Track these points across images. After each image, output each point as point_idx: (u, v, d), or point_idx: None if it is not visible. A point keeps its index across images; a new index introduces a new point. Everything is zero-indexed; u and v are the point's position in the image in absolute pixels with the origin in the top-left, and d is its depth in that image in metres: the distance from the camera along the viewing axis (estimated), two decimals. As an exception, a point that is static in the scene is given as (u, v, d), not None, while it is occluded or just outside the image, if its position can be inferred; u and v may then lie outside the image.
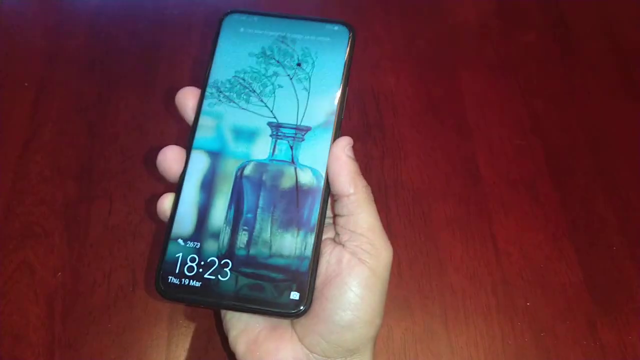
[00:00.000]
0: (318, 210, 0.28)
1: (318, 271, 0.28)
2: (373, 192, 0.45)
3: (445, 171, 0.47)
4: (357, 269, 0.27)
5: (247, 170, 0.29)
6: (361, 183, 0.29)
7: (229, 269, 0.28)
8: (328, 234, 0.30)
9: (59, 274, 0.40)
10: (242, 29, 0.32)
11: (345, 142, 0.29)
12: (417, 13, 0.57)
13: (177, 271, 0.28)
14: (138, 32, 0.53)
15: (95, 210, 0.43)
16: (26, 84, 0.49)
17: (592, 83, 0.53)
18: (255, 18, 0.31)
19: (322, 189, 0.29)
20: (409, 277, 0.42)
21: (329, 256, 0.28)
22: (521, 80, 0.53)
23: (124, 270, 0.41)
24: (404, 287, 0.41)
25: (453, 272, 0.42)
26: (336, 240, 0.29)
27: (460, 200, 0.46)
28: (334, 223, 0.30)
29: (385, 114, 0.50)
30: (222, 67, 0.31)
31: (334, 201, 0.30)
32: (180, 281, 0.27)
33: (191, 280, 0.27)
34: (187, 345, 0.38)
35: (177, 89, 0.50)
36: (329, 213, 0.32)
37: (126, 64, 0.51)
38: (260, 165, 0.29)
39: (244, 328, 0.30)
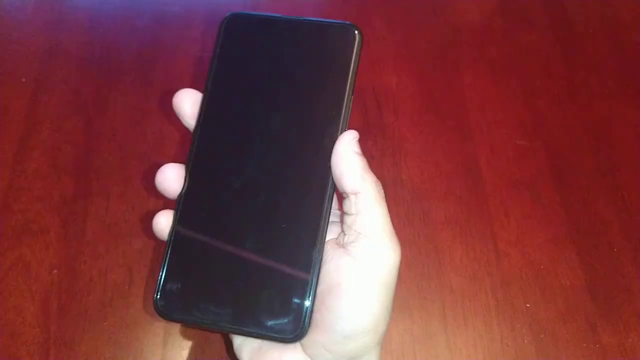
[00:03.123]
0: (318, 237, 0.27)
1: (320, 278, 0.27)
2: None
3: (445, 171, 0.47)
4: (357, 276, 0.26)
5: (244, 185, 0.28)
6: (370, 179, 0.27)
7: (225, 292, 0.27)
8: (331, 234, 0.28)
9: (55, 271, 0.40)
10: (243, 32, 0.30)
11: (350, 137, 0.27)
12: (419, 12, 0.56)
13: (173, 292, 0.27)
14: (137, 29, 0.53)
15: (92, 208, 0.43)
16: (24, 80, 0.49)
17: (594, 83, 0.52)
18: (256, 20, 0.30)
19: (324, 213, 0.27)
20: (408, 278, 0.41)
21: (330, 263, 0.27)
22: (523, 80, 0.52)
23: (121, 268, 0.40)
24: (403, 287, 0.41)
25: (452, 273, 0.42)
26: (338, 242, 0.28)
27: (461, 200, 0.45)
28: (341, 221, 0.28)
29: (385, 113, 0.49)
30: (224, 74, 0.30)
31: (341, 199, 0.28)
32: (177, 303, 0.27)
33: (187, 302, 0.27)
34: (183, 343, 0.38)
35: (176, 87, 0.49)
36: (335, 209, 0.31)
37: (125, 60, 0.51)
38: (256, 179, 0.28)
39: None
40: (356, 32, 0.29)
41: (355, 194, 0.26)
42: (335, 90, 0.28)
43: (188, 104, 0.29)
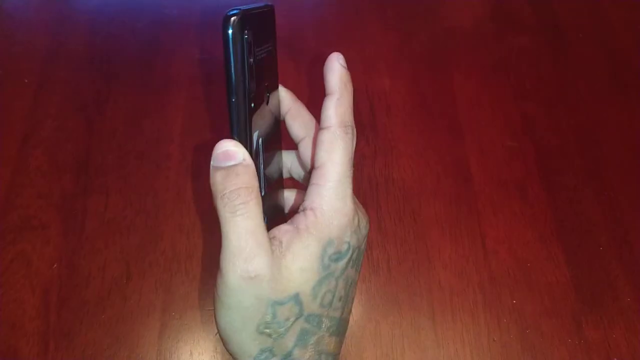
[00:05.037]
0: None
1: None
2: (364, 190, 0.46)
3: (436, 170, 0.48)
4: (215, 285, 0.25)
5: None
6: (225, 190, 0.24)
7: None
8: None
9: (55, 265, 0.41)
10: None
11: (214, 151, 0.25)
12: (413, 15, 0.57)
13: None
14: (137, 31, 0.54)
15: (92, 204, 0.44)
16: (26, 81, 0.50)
17: (583, 86, 0.53)
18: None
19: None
20: (398, 274, 0.42)
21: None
22: (513, 82, 0.53)
23: (119, 262, 0.41)
24: (393, 283, 0.42)
25: (441, 270, 0.43)
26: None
27: (451, 199, 0.46)
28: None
29: (378, 114, 0.51)
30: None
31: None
32: None
33: None
34: (178, 336, 0.39)
35: (174, 87, 0.51)
36: None
37: (125, 61, 0.52)
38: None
39: None
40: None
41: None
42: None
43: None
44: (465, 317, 0.41)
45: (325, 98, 0.26)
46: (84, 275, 0.41)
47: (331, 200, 0.25)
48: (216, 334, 0.39)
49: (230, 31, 0.23)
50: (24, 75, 0.51)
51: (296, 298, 0.25)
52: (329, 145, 0.25)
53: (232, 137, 0.25)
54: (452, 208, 0.46)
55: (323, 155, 0.25)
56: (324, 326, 0.26)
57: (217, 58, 0.53)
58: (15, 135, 0.47)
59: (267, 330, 0.25)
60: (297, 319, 0.25)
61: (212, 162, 0.25)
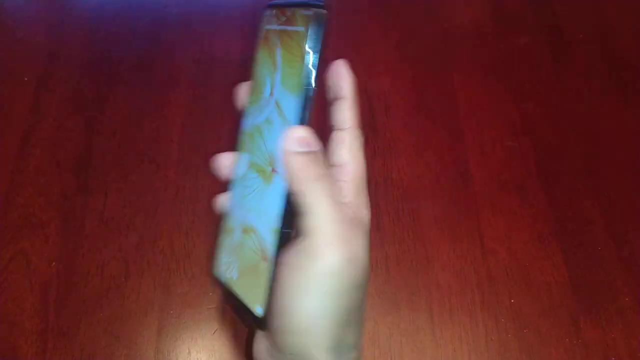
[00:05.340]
0: (273, 232, 0.26)
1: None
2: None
3: (435, 170, 0.48)
4: (290, 274, 0.25)
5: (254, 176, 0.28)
6: (306, 177, 0.25)
7: (234, 273, 0.29)
8: None
9: (54, 264, 0.41)
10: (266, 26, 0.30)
11: (290, 136, 0.25)
12: (413, 16, 0.57)
13: (217, 265, 0.30)
14: (138, 30, 0.54)
15: (91, 203, 0.44)
16: (26, 79, 0.50)
17: (583, 87, 0.53)
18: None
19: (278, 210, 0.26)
20: (396, 273, 0.42)
21: (281, 257, 0.26)
22: (513, 82, 0.53)
23: (117, 261, 0.42)
24: (391, 282, 0.42)
25: (440, 269, 0.43)
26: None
27: (450, 199, 0.46)
28: None
29: (378, 114, 0.51)
30: (255, 72, 0.30)
31: None
32: (219, 275, 0.30)
33: (223, 277, 0.30)
34: (176, 335, 0.39)
35: (175, 87, 0.51)
36: None
37: (125, 61, 0.52)
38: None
39: None
40: (318, 11, 0.25)
41: (297, 194, 0.25)
42: (291, 80, 0.26)
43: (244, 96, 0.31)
44: (463, 316, 0.41)
45: (339, 101, 0.29)
46: (82, 274, 0.41)
47: (358, 194, 0.27)
48: (214, 332, 0.39)
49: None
50: (24, 73, 0.51)
51: (367, 283, 0.26)
52: (350, 145, 0.28)
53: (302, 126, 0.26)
54: (451, 208, 0.46)
55: (346, 155, 0.28)
56: (361, 315, 0.27)
57: (218, 58, 0.53)
58: (15, 133, 0.47)
59: (351, 318, 0.25)
60: (362, 305, 0.26)
61: (287, 147, 0.25)
